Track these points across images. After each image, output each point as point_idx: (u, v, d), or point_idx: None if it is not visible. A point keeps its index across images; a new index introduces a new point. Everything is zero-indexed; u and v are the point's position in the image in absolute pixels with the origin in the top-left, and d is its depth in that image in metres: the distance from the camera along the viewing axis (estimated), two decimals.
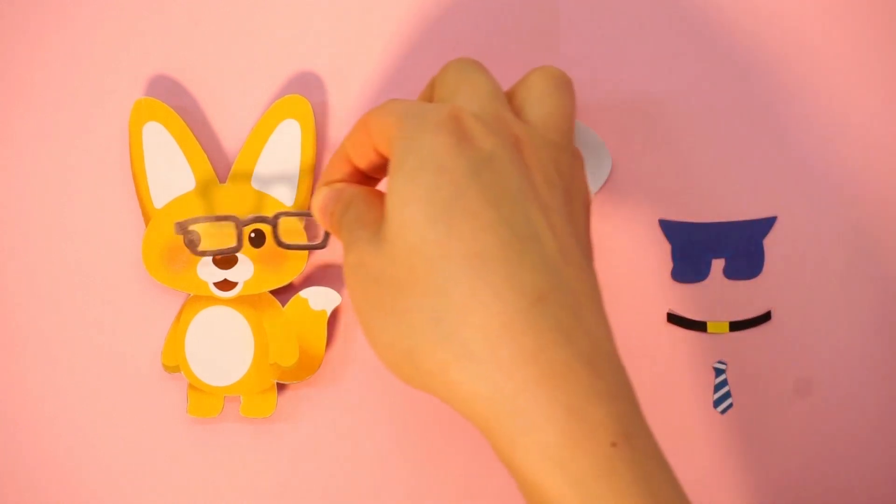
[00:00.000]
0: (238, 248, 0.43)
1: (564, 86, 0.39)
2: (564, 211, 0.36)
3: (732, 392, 0.46)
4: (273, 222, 0.43)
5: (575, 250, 0.36)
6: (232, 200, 0.44)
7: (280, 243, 0.43)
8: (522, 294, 0.33)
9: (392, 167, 0.35)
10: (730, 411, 0.46)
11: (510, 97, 0.39)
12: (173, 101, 0.45)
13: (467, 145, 0.35)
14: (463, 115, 0.35)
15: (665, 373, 0.46)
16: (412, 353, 0.35)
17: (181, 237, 0.44)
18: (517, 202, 0.34)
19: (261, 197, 0.44)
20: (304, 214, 0.44)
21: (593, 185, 0.44)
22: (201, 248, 0.43)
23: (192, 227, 0.43)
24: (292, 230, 0.44)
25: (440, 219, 0.34)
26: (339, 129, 0.46)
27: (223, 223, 0.43)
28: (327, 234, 0.44)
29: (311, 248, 0.44)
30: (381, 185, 0.39)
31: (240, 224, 0.43)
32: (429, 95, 0.40)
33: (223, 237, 0.44)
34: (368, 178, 0.41)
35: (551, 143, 0.37)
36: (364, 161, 0.39)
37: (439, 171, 0.34)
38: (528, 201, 0.35)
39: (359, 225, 0.37)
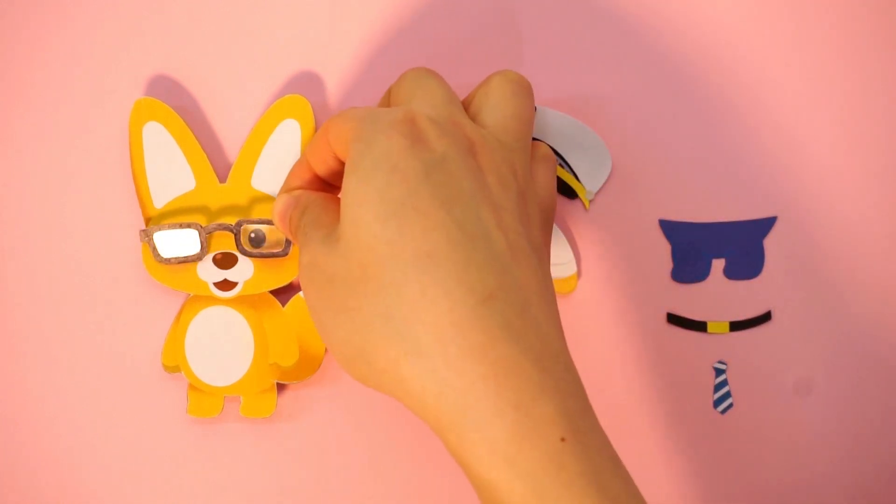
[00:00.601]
0: (202, 256, 0.43)
1: (522, 90, 0.39)
2: (518, 212, 0.37)
3: (732, 392, 0.46)
4: (235, 230, 0.43)
5: (526, 250, 0.36)
6: (232, 200, 0.44)
7: (243, 251, 0.44)
8: (471, 292, 0.34)
9: (347, 169, 0.36)
10: (730, 411, 0.46)
11: (468, 102, 0.40)
12: (173, 101, 0.45)
13: (421, 147, 0.35)
14: (417, 118, 0.36)
15: (665, 373, 0.46)
16: (364, 350, 0.35)
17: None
18: (468, 203, 0.35)
19: (261, 197, 0.44)
20: (265, 222, 0.44)
21: (593, 184, 0.44)
22: (170, 255, 0.44)
23: (156, 234, 0.43)
24: (277, 232, 0.44)
25: (391, 218, 0.35)
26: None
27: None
28: (289, 242, 0.44)
29: (271, 256, 0.44)
30: None
31: (203, 231, 0.43)
32: (386, 103, 0.41)
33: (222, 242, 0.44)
34: (329, 185, 0.41)
35: (506, 146, 0.38)
36: (323, 167, 0.40)
37: (392, 171, 0.35)
38: (479, 202, 0.35)
39: (314, 227, 0.38)
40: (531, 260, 0.36)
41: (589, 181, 0.44)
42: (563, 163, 0.44)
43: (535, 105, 0.43)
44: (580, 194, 0.44)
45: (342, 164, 0.39)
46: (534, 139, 0.43)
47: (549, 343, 0.35)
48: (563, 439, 0.33)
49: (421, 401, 0.35)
